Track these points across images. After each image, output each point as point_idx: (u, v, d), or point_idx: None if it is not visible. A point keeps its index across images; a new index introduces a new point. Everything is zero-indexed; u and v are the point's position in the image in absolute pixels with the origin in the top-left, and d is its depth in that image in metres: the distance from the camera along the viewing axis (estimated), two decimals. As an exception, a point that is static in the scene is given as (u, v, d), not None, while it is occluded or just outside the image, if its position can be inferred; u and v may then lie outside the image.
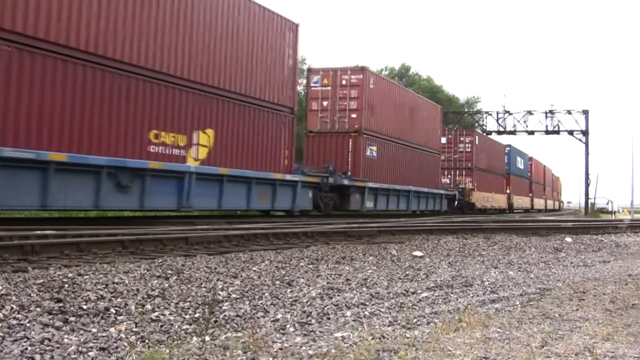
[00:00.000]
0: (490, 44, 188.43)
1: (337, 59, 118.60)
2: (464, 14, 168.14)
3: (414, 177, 27.26)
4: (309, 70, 24.86)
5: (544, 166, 63.69)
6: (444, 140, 36.24)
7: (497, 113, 49.58)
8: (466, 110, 61.30)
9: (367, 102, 22.83)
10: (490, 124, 50.20)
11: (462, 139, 38.67)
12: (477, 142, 38.81)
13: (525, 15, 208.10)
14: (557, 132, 48.46)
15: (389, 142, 24.91)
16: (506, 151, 46.12)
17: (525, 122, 48.79)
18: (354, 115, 22.62)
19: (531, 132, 49.02)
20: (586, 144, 47.70)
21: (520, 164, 50.20)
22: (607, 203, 61.93)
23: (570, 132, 47.92)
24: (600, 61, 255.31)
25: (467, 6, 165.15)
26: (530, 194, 54.28)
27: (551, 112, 48.35)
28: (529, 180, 54.18)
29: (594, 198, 56.44)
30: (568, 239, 14.74)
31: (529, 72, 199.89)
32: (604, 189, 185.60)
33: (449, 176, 37.44)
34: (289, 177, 17.64)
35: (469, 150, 38.23)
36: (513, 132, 49.16)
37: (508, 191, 45.65)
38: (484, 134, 46.53)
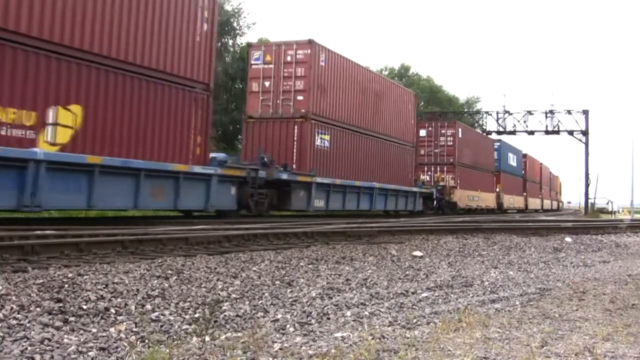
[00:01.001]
0: (490, 44, 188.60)
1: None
2: (463, 14, 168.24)
3: (380, 173, 23.95)
4: (250, 45, 21.87)
5: (541, 164, 60.58)
6: (423, 132, 33.73)
7: (497, 113, 49.72)
8: (466, 110, 61.35)
9: (317, 82, 19.58)
10: (490, 124, 50.24)
11: (442, 131, 34.74)
12: (460, 135, 34.87)
13: (525, 15, 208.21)
14: (557, 132, 48.54)
15: (347, 130, 21.61)
16: (496, 146, 42.93)
17: (525, 122, 48.93)
18: (300, 98, 19.22)
19: (531, 132, 49.10)
20: (586, 144, 47.77)
21: (512, 160, 47.05)
22: (607, 203, 61.98)
23: (570, 132, 47.99)
24: (600, 61, 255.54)
25: (467, 6, 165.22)
26: (525, 193, 51.12)
27: (551, 112, 48.44)
28: (523, 178, 50.91)
29: (594, 198, 56.53)
30: (568, 239, 14.74)
31: (529, 72, 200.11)
32: (604, 189, 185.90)
33: (429, 173, 33.96)
34: (197, 169, 14.06)
35: (451, 143, 34.36)
36: (513, 132, 49.23)
37: (497, 189, 42.24)
38: (484, 133, 46.30)
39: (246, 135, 20.06)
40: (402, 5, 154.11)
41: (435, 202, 31.18)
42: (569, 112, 48.12)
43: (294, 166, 18.87)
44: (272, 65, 19.65)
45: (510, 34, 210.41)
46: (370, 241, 11.86)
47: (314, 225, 13.95)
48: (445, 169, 34.17)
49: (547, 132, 48.78)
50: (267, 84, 19.71)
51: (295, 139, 19.19)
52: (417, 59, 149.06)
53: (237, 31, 37.41)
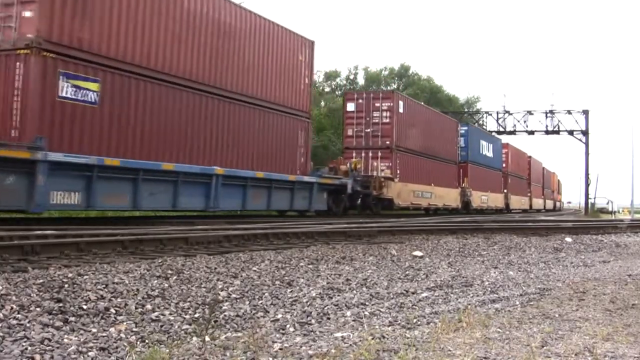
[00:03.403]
0: (490, 44, 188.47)
1: (335, 60, 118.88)
2: (463, 14, 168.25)
3: (234, 153, 16.37)
4: None
5: (530, 157, 52.71)
6: (351, 106, 25.95)
7: (497, 113, 49.70)
8: (466, 110, 61.35)
9: None
10: (490, 124, 50.17)
11: (377, 104, 25.60)
12: (400, 110, 25.91)
13: (525, 15, 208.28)
14: (557, 132, 48.56)
15: (148, 79, 13.64)
16: (462, 131, 34.42)
17: (525, 122, 48.91)
18: (27, 14, 11.39)
19: (531, 132, 49.12)
20: (586, 144, 47.78)
21: (486, 150, 38.56)
22: (607, 203, 61.89)
23: (570, 132, 48.01)
24: (600, 61, 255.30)
25: (466, 6, 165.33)
26: (505, 190, 43.12)
27: (551, 112, 48.46)
28: (503, 172, 42.98)
29: (594, 198, 56.34)
30: (568, 239, 14.74)
31: (529, 72, 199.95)
32: (604, 189, 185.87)
33: (359, 159, 25.37)
34: None
35: (388, 121, 25.41)
36: (513, 132, 49.23)
37: (463, 185, 34.06)
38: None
39: None
40: (402, 5, 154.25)
41: (359, 200, 23.74)
42: (569, 112, 48.16)
43: (16, 132, 11.39)
44: None
45: (510, 34, 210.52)
46: (370, 241, 11.87)
47: (314, 225, 13.98)
48: (379, 154, 25.51)
49: (547, 132, 48.80)
50: None
51: (17, 85, 11.38)
52: (417, 59, 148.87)
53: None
